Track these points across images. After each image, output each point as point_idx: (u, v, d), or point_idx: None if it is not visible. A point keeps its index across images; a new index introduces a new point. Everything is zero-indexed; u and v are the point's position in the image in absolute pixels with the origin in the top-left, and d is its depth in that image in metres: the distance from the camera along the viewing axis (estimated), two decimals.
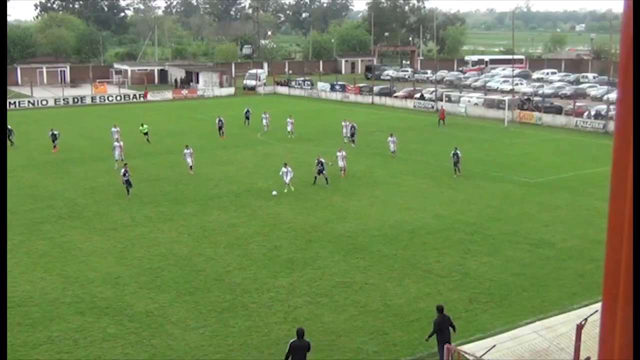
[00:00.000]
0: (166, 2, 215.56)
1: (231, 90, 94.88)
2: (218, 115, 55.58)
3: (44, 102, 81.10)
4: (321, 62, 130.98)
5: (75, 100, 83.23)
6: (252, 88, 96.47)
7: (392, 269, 24.40)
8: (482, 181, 38.19)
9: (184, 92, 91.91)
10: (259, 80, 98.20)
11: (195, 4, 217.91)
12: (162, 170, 41.69)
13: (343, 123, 51.42)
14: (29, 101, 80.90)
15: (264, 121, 56.93)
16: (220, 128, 53.95)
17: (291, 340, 15.81)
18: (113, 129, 48.34)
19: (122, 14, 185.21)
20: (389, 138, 45.19)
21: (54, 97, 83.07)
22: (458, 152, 39.03)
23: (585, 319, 13.52)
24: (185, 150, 40.43)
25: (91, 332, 19.52)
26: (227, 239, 28.03)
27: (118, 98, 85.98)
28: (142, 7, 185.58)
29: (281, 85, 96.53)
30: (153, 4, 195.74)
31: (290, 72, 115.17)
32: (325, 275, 23.88)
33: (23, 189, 37.31)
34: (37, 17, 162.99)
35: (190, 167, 40.11)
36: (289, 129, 53.58)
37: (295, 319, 20.20)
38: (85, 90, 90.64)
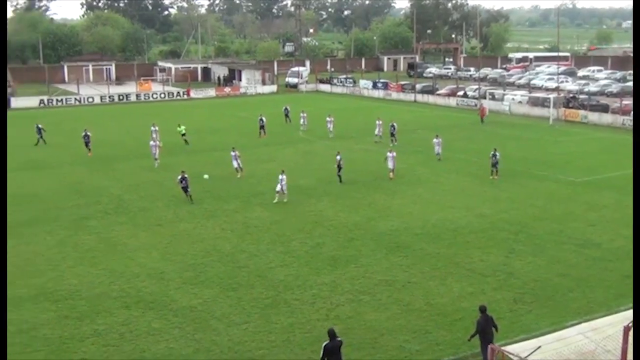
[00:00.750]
0: (209, 0, 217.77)
1: (273, 87, 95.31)
2: (260, 114, 55.76)
3: (90, 100, 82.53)
4: (363, 60, 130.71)
5: (121, 97, 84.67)
6: (294, 86, 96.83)
7: (435, 268, 24.26)
8: (526, 180, 37.71)
9: (227, 89, 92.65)
10: (301, 78, 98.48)
11: (237, 2, 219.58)
12: (205, 167, 41.95)
13: (377, 122, 51.00)
14: (75, 98, 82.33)
15: (302, 120, 57.11)
16: (262, 127, 54.02)
17: (324, 343, 15.66)
18: (152, 128, 48.79)
19: (166, 12, 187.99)
20: (434, 139, 43.51)
21: (99, 94, 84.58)
22: (497, 153, 38.26)
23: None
24: (232, 153, 39.40)
25: (136, 326, 19.82)
26: (270, 236, 28.19)
27: (162, 95, 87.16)
28: (185, 5, 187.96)
29: (323, 82, 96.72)
30: (196, 2, 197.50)
31: (332, 69, 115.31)
32: (368, 273, 23.85)
33: (70, 185, 38.03)
34: (83, 15, 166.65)
35: (237, 169, 39.01)
36: (328, 127, 53.60)
37: (338, 316, 20.23)
38: (130, 88, 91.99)
